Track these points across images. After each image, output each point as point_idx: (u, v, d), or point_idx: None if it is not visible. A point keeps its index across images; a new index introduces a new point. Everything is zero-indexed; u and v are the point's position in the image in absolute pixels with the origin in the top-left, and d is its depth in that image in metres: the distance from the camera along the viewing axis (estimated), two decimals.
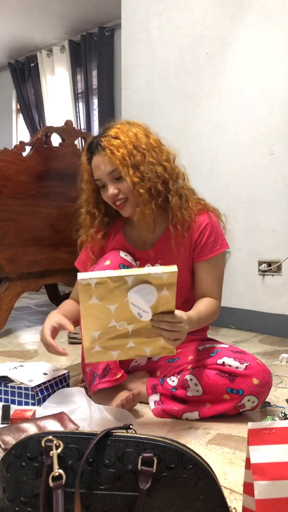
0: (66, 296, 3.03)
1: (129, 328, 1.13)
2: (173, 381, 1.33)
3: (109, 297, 1.07)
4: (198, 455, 0.71)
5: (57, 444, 0.70)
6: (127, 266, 1.35)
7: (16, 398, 1.39)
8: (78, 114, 4.51)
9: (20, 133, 5.30)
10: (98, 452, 0.70)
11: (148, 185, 1.30)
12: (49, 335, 1.32)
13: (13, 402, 1.40)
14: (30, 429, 1.11)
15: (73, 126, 2.67)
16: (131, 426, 0.74)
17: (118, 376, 1.33)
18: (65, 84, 4.51)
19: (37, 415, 1.24)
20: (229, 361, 1.27)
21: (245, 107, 2.47)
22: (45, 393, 1.40)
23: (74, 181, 2.56)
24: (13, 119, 5.32)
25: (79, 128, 4.41)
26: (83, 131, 4.16)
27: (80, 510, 0.66)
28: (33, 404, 1.37)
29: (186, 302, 1.48)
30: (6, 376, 1.43)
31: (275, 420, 1.14)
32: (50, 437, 0.71)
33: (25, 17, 4.10)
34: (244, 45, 2.45)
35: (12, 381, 1.42)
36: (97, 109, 4.30)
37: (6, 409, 1.29)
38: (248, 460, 0.69)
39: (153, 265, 1.43)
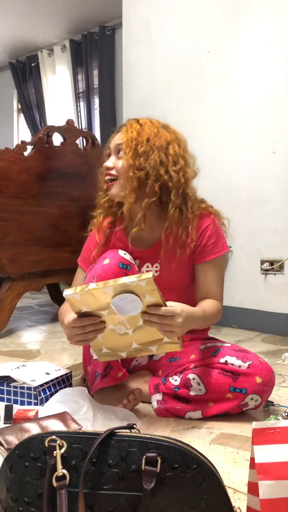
0: None
1: (129, 331, 1.14)
2: (176, 380, 1.33)
3: (98, 304, 1.09)
4: (202, 455, 0.70)
5: (61, 444, 0.70)
6: (127, 264, 1.35)
7: (19, 398, 1.39)
8: (79, 113, 4.50)
9: (21, 133, 5.30)
10: (101, 452, 0.70)
11: (140, 174, 1.31)
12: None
13: (15, 402, 1.40)
14: (33, 429, 1.10)
15: (75, 125, 2.67)
16: (134, 426, 0.74)
17: (119, 375, 1.33)
18: (66, 84, 4.51)
19: (39, 415, 1.24)
20: (232, 360, 1.27)
21: (247, 106, 2.46)
22: (48, 393, 1.40)
23: (75, 181, 2.58)
24: (14, 118, 5.31)
25: (80, 127, 4.41)
26: (84, 130, 4.16)
27: (84, 510, 0.66)
28: (36, 404, 1.37)
29: (185, 303, 1.48)
30: (9, 376, 1.43)
31: (278, 419, 1.13)
32: (54, 437, 0.70)
33: (26, 16, 4.09)
34: (246, 43, 2.45)
35: (14, 381, 1.42)
36: (98, 108, 4.30)
37: (8, 409, 1.29)
38: (252, 459, 0.69)
39: (152, 264, 1.42)
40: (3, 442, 1.05)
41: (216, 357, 1.30)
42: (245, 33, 2.45)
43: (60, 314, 1.39)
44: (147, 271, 1.42)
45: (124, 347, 1.18)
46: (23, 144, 2.32)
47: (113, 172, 1.36)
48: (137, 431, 0.73)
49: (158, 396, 1.35)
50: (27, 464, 0.71)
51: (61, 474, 0.68)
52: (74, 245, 2.56)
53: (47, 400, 1.37)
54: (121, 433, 0.72)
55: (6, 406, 1.30)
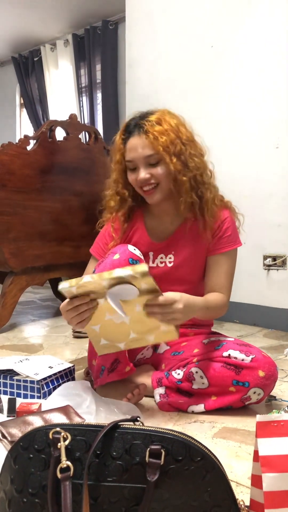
0: None
1: (126, 320, 1.14)
2: (179, 374, 1.33)
3: (93, 295, 1.10)
4: (206, 448, 0.70)
5: (65, 436, 0.70)
6: (136, 260, 1.35)
7: (22, 392, 1.40)
8: (82, 108, 4.49)
9: (24, 127, 5.29)
10: (105, 444, 0.70)
11: (190, 174, 1.31)
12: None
13: (18, 395, 1.40)
14: (36, 422, 1.11)
15: (77, 120, 2.66)
16: (138, 419, 0.74)
17: (127, 370, 1.33)
18: (69, 78, 4.50)
19: (42, 408, 1.25)
20: (235, 353, 1.27)
21: (250, 101, 2.45)
22: (51, 387, 1.40)
23: (78, 175, 2.57)
24: (17, 113, 5.30)
25: (83, 122, 4.40)
26: (87, 125, 4.15)
27: (88, 502, 0.66)
28: (39, 397, 1.37)
29: (195, 295, 1.48)
30: (12, 370, 1.43)
31: (281, 413, 1.14)
32: (58, 429, 0.71)
33: (29, 11, 4.08)
34: (250, 37, 2.44)
35: (17, 374, 1.42)
36: (101, 103, 4.29)
37: (12, 402, 1.30)
38: (256, 452, 0.69)
39: (166, 255, 1.43)
40: (6, 435, 1.06)
41: (219, 351, 1.30)
42: (249, 27, 2.44)
43: None
44: (161, 262, 1.43)
45: (122, 337, 1.18)
46: (26, 138, 2.32)
47: (153, 181, 1.32)
48: (141, 424, 0.73)
49: (160, 390, 1.35)
50: (31, 456, 0.71)
51: (65, 465, 0.68)
52: (77, 239, 2.56)
53: (50, 393, 1.37)
54: (125, 426, 0.72)
55: (9, 399, 1.31)
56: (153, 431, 0.70)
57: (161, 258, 1.43)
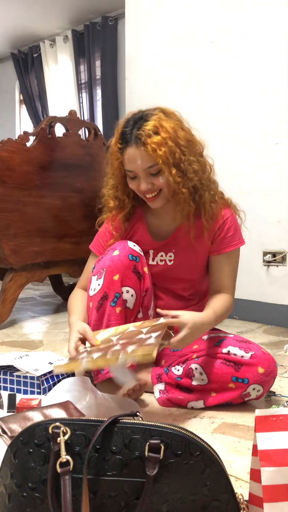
0: (71, 287, 3.04)
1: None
2: (178, 370, 1.34)
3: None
4: (205, 442, 0.71)
5: (64, 430, 0.70)
6: (136, 256, 1.35)
7: (22, 387, 1.40)
8: (81, 104, 4.48)
9: (24, 123, 5.28)
10: (105, 439, 0.70)
11: (190, 184, 1.28)
12: (75, 350, 1.21)
13: (18, 391, 1.40)
14: (36, 417, 1.11)
15: (77, 116, 2.66)
16: (138, 413, 0.75)
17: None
18: (68, 75, 4.49)
19: (42, 404, 1.25)
20: (234, 350, 1.28)
21: (250, 96, 2.45)
22: (51, 382, 1.41)
23: (78, 172, 2.57)
24: (16, 109, 5.30)
25: (82, 118, 4.39)
26: (87, 121, 4.15)
27: (87, 496, 0.67)
28: (39, 393, 1.38)
29: (194, 294, 1.48)
30: (12, 366, 1.43)
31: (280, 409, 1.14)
32: (58, 423, 0.71)
33: (28, 7, 4.07)
34: (249, 33, 2.43)
35: (17, 370, 1.42)
36: (100, 99, 4.28)
37: (12, 397, 1.30)
38: (255, 447, 0.69)
39: (166, 253, 1.42)
40: (6, 430, 1.06)
41: (219, 347, 1.30)
42: (249, 23, 2.43)
43: (68, 303, 1.42)
44: (161, 260, 1.42)
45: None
46: (26, 134, 2.31)
47: (155, 189, 1.30)
48: (140, 419, 0.74)
49: (160, 386, 1.36)
50: (31, 450, 0.72)
51: (65, 460, 0.69)
52: (77, 236, 2.56)
53: (50, 389, 1.38)
54: (124, 421, 0.72)
55: (9, 395, 1.31)
56: (153, 426, 0.70)
57: (161, 256, 1.43)
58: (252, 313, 2.50)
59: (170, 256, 1.42)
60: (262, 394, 1.28)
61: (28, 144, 2.32)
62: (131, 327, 1.20)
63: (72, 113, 2.59)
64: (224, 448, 1.09)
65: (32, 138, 2.36)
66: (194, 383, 1.30)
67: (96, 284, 1.33)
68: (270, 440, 0.66)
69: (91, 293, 1.34)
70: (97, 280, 1.33)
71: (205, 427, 1.20)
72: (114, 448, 0.70)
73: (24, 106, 5.13)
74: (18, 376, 1.41)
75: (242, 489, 0.90)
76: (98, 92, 4.34)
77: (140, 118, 1.28)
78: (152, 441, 0.69)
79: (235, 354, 1.27)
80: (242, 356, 1.26)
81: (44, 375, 1.39)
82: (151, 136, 1.23)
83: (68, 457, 0.69)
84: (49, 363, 1.46)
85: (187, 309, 1.48)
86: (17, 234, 2.29)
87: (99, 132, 2.74)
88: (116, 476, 0.69)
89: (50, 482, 0.68)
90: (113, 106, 4.12)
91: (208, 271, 1.45)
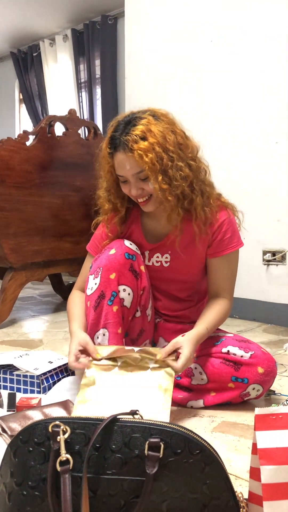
0: (70, 286, 3.04)
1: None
2: None
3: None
4: (205, 441, 0.71)
5: (64, 429, 0.70)
6: (132, 255, 1.35)
7: (22, 386, 1.40)
8: (81, 103, 4.48)
9: (23, 123, 5.28)
10: (105, 437, 0.70)
11: (177, 191, 1.25)
12: (75, 361, 1.20)
13: (18, 390, 1.40)
14: (36, 416, 1.11)
15: (77, 115, 2.66)
16: (137, 412, 0.75)
17: None
18: (68, 74, 4.49)
19: (42, 403, 1.25)
20: (234, 349, 1.28)
21: (250, 96, 2.45)
22: (51, 381, 1.41)
23: (78, 171, 2.57)
24: (16, 109, 5.29)
25: (82, 117, 4.39)
26: (86, 120, 4.15)
27: (87, 494, 0.67)
28: (39, 392, 1.38)
29: (193, 295, 1.47)
30: (12, 365, 1.43)
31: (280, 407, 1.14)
32: (57, 422, 0.71)
33: (28, 6, 4.06)
34: (249, 32, 2.43)
35: (17, 369, 1.42)
36: (100, 98, 4.28)
37: (12, 396, 1.30)
38: (254, 445, 0.69)
39: (162, 254, 1.41)
40: (6, 429, 1.06)
41: (218, 347, 1.30)
42: (248, 20, 2.43)
43: (67, 307, 1.42)
44: (156, 261, 1.42)
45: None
46: (25, 133, 2.31)
47: (145, 194, 1.29)
48: (140, 417, 0.74)
49: None
50: (31, 449, 0.72)
51: (64, 458, 0.69)
52: (76, 235, 2.57)
53: (50, 388, 1.38)
54: (124, 419, 0.72)
55: (9, 394, 1.31)
56: (152, 424, 0.71)
57: (157, 257, 1.42)
58: (252, 312, 2.50)
59: (166, 258, 1.41)
60: (261, 394, 1.28)
61: (28, 143, 2.32)
62: (134, 353, 1.17)
63: (71, 112, 2.59)
64: (224, 446, 1.09)
65: (31, 137, 2.36)
66: (193, 382, 1.31)
67: (93, 283, 1.33)
68: (269, 439, 0.66)
69: (88, 292, 1.33)
70: (94, 279, 1.33)
71: (205, 425, 1.20)
72: (114, 446, 0.70)
73: (23, 105, 5.13)
74: (18, 375, 1.41)
75: (241, 487, 0.90)
76: (98, 91, 4.34)
77: (129, 122, 1.25)
78: (152, 440, 0.69)
79: (234, 354, 1.27)
80: (241, 356, 1.26)
81: (44, 374, 1.39)
82: (138, 142, 1.21)
83: (68, 456, 0.69)
84: (49, 362, 1.46)
85: (186, 310, 1.48)
86: (17, 233, 2.29)
87: (98, 131, 2.74)
88: (115, 474, 0.69)
89: (50, 481, 0.69)
90: (112, 105, 4.12)
91: (206, 273, 1.44)
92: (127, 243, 1.36)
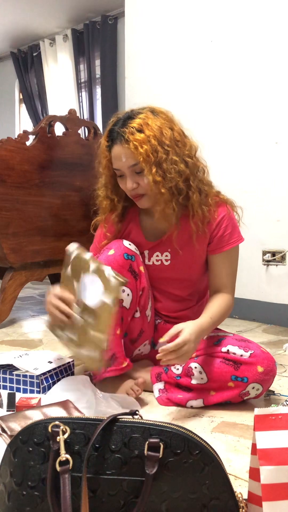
0: None
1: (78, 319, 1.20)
2: (178, 369, 1.34)
3: (76, 274, 1.23)
4: (204, 441, 0.71)
5: (64, 429, 0.70)
6: (131, 255, 1.35)
7: (21, 386, 1.40)
8: (81, 103, 4.48)
9: (23, 122, 5.28)
10: (104, 437, 0.71)
11: (170, 184, 1.26)
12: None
13: (18, 390, 1.40)
14: (35, 416, 1.11)
15: (77, 115, 2.66)
16: (137, 412, 0.75)
17: (124, 365, 1.33)
18: (68, 74, 4.48)
19: (42, 403, 1.25)
20: (234, 349, 1.28)
21: (250, 96, 2.45)
22: (50, 381, 1.41)
23: (78, 171, 2.57)
24: (16, 108, 5.29)
25: (82, 117, 4.39)
26: (86, 120, 4.14)
27: (87, 494, 0.67)
28: (38, 392, 1.38)
29: (193, 294, 1.48)
30: (11, 364, 1.43)
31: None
32: (57, 422, 0.71)
33: (28, 6, 4.06)
34: (249, 33, 2.43)
35: (17, 369, 1.42)
36: (100, 98, 4.28)
37: (11, 396, 1.30)
38: (254, 445, 0.69)
39: (162, 253, 1.41)
40: (6, 429, 1.06)
41: (218, 346, 1.30)
42: (248, 22, 2.43)
43: None
44: (157, 260, 1.42)
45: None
46: (25, 133, 2.31)
47: (140, 191, 1.29)
48: (139, 417, 0.74)
49: (159, 385, 1.36)
50: (30, 449, 0.72)
51: (64, 459, 0.69)
52: (76, 235, 2.56)
53: (49, 388, 1.38)
54: (124, 419, 0.72)
55: (9, 394, 1.31)
56: (152, 425, 0.71)
57: (157, 256, 1.42)
58: (252, 312, 2.50)
59: (167, 256, 1.41)
60: (261, 393, 1.28)
61: (28, 143, 2.32)
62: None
63: (71, 112, 2.59)
64: (223, 447, 1.09)
65: (31, 137, 2.36)
66: (193, 382, 1.31)
67: None
68: (269, 439, 0.66)
69: None
70: None
71: (205, 426, 1.20)
72: (113, 446, 0.70)
73: (23, 105, 5.13)
74: (18, 375, 1.41)
75: (241, 487, 0.90)
76: (98, 91, 4.34)
77: (128, 116, 1.28)
78: (151, 440, 0.69)
79: (234, 353, 1.27)
80: (241, 355, 1.26)
81: (44, 374, 1.39)
82: (134, 133, 1.23)
83: (68, 456, 0.69)
84: (48, 362, 1.46)
85: (186, 310, 1.48)
86: (17, 233, 2.29)
87: (98, 131, 2.74)
88: (115, 474, 0.69)
89: (49, 481, 0.69)
90: (112, 105, 4.11)
91: (207, 270, 1.44)
92: (126, 243, 1.36)
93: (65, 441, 0.70)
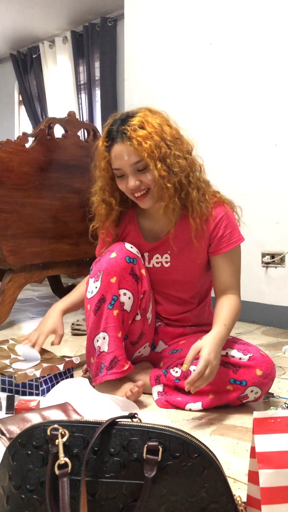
0: (69, 288, 3.04)
1: None
2: (177, 372, 1.34)
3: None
4: (203, 444, 0.71)
5: (63, 432, 0.70)
6: (133, 258, 1.34)
7: (20, 389, 1.40)
8: (80, 105, 4.48)
9: (23, 124, 5.28)
10: (103, 440, 0.70)
11: (175, 179, 1.26)
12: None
13: (17, 392, 1.40)
14: (34, 419, 1.11)
15: (76, 117, 2.66)
16: (136, 415, 0.75)
17: (125, 368, 1.33)
18: (68, 76, 4.49)
19: (41, 406, 1.25)
20: (233, 352, 1.28)
21: (249, 98, 2.45)
22: (49, 384, 1.40)
23: (77, 173, 2.57)
24: (15, 110, 5.29)
25: (81, 119, 4.39)
26: (86, 122, 4.15)
27: (85, 498, 0.67)
28: (37, 394, 1.38)
29: (194, 296, 1.47)
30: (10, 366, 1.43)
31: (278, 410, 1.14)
32: (56, 425, 0.71)
33: (27, 7, 4.07)
34: (248, 35, 2.43)
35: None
36: (99, 100, 4.28)
37: (10, 399, 1.30)
38: (253, 449, 0.69)
39: (162, 255, 1.41)
40: (5, 432, 1.06)
41: None
42: (247, 24, 2.44)
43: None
44: (157, 262, 1.42)
45: None
46: (25, 135, 2.31)
47: (143, 187, 1.29)
48: (138, 421, 0.74)
49: (159, 388, 1.36)
50: (29, 452, 0.72)
51: (63, 462, 0.69)
52: (75, 237, 2.56)
53: (48, 390, 1.38)
54: (122, 422, 0.72)
55: (7, 396, 1.31)
56: (151, 428, 0.71)
57: (157, 258, 1.42)
58: (251, 314, 2.50)
59: (166, 258, 1.41)
60: (260, 396, 1.28)
61: (27, 145, 2.32)
62: None
63: (71, 114, 2.59)
64: (223, 449, 1.09)
65: (31, 139, 2.36)
66: None
67: (93, 287, 1.33)
68: (268, 442, 0.66)
69: (89, 295, 1.34)
70: (94, 282, 1.33)
71: (204, 428, 1.20)
72: (112, 450, 0.70)
73: (23, 107, 5.13)
74: None
75: (240, 490, 0.90)
76: (97, 93, 4.34)
77: (127, 116, 1.29)
78: (150, 443, 0.69)
79: (233, 356, 1.27)
80: (240, 358, 1.26)
81: (43, 376, 1.39)
82: (137, 130, 1.23)
83: (67, 459, 0.69)
84: None
85: (187, 313, 1.48)
86: (16, 235, 2.29)
87: (98, 133, 2.74)
88: (114, 478, 0.69)
89: (48, 484, 0.68)
90: (112, 107, 4.12)
91: (210, 272, 1.44)
92: (127, 246, 1.36)
93: (64, 444, 0.70)
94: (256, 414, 0.68)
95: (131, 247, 1.36)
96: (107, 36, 4.11)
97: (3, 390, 1.42)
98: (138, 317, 1.38)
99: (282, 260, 2.38)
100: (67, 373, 1.49)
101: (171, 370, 1.36)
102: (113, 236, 1.44)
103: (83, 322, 2.25)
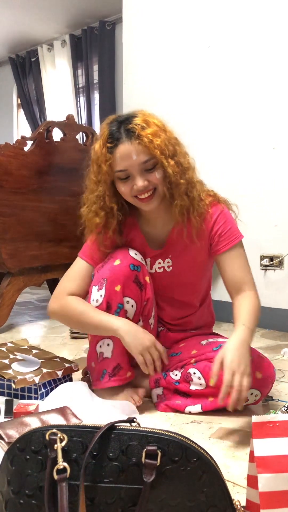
0: None
1: None
2: (176, 375, 1.34)
3: None
4: (202, 448, 0.71)
5: (61, 437, 0.70)
6: (137, 266, 1.33)
7: (19, 393, 1.40)
8: (79, 108, 4.49)
9: (21, 128, 5.29)
10: (102, 445, 0.70)
11: (186, 176, 1.27)
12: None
13: (16, 396, 1.40)
14: (33, 423, 1.11)
15: (75, 120, 2.66)
16: (135, 420, 0.75)
17: (128, 375, 1.33)
18: (66, 79, 4.50)
19: (40, 410, 1.25)
20: None
21: (247, 101, 2.46)
22: (48, 388, 1.40)
23: (76, 176, 2.57)
24: (14, 114, 5.30)
25: (80, 122, 4.40)
26: (84, 125, 4.15)
27: (84, 503, 0.67)
28: (36, 398, 1.37)
29: (196, 297, 1.47)
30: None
31: (277, 414, 1.14)
32: (54, 430, 0.71)
33: (26, 11, 4.08)
34: (246, 39, 2.44)
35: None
36: (98, 103, 4.29)
37: (9, 403, 1.30)
38: (252, 453, 0.69)
39: (163, 260, 1.41)
40: (3, 436, 1.06)
41: (217, 352, 1.30)
42: (246, 28, 2.44)
43: (69, 306, 1.34)
44: (159, 268, 1.41)
45: None
46: (23, 139, 2.32)
47: (150, 187, 1.25)
48: (137, 425, 0.74)
49: (158, 391, 1.35)
50: (28, 457, 0.72)
51: (61, 467, 0.68)
52: (74, 240, 2.56)
53: (47, 394, 1.37)
54: (121, 427, 0.72)
55: (6, 400, 1.31)
56: (150, 432, 0.70)
57: (159, 263, 1.41)
58: None
59: (168, 262, 1.40)
60: (259, 399, 1.28)
61: (26, 148, 2.32)
62: None
63: (69, 117, 2.59)
64: (222, 453, 1.09)
65: (29, 143, 2.36)
66: (192, 387, 1.30)
67: (97, 295, 1.31)
68: (267, 447, 0.66)
69: (93, 304, 1.32)
70: (98, 291, 1.31)
71: (203, 432, 1.20)
72: (111, 454, 0.70)
73: (21, 111, 5.14)
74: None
75: (239, 495, 0.90)
76: (96, 97, 4.35)
77: (128, 116, 1.27)
78: (149, 448, 0.69)
79: None
80: None
81: None
82: (145, 128, 1.21)
83: (65, 464, 0.69)
84: None
85: (189, 317, 1.47)
86: (15, 238, 2.29)
87: (96, 136, 2.74)
88: (113, 482, 0.69)
89: (47, 489, 0.68)
90: (110, 111, 4.12)
91: (207, 270, 1.44)
92: (132, 253, 1.34)
93: (63, 449, 0.70)
94: (255, 418, 0.68)
95: (136, 254, 1.34)
96: (106, 39, 4.12)
97: (2, 394, 1.42)
98: (140, 323, 1.37)
99: (280, 263, 2.38)
100: (66, 377, 1.49)
101: (170, 373, 1.35)
102: (113, 246, 1.38)
103: None
